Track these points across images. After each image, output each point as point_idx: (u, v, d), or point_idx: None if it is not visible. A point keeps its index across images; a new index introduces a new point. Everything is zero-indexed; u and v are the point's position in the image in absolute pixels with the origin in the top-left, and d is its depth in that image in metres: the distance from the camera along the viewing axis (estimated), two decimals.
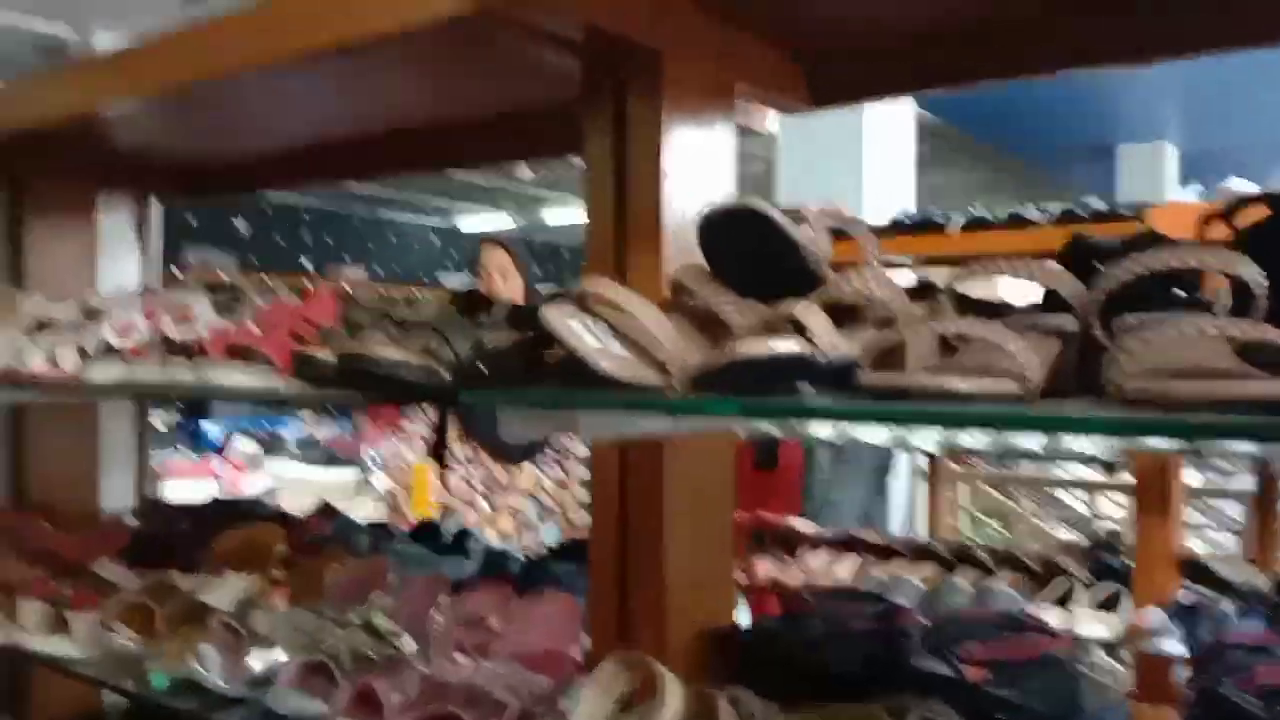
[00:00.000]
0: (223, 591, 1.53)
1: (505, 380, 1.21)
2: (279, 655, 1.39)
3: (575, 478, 3.87)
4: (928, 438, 2.95)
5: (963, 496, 4.96)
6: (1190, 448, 2.61)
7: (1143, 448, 2.65)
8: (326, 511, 1.94)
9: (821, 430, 3.09)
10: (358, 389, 1.19)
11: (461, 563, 1.75)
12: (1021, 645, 1.31)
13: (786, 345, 0.83)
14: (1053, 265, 0.94)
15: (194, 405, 4.06)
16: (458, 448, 3.95)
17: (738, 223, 0.96)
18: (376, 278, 11.35)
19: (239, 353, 1.31)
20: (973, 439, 2.90)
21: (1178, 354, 0.81)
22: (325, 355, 1.20)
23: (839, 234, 1.09)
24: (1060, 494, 5.83)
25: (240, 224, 10.88)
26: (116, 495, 2.28)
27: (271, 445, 3.69)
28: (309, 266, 11.01)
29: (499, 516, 3.67)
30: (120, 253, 2.34)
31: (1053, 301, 1.04)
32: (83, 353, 1.57)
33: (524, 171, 9.41)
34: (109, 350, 1.51)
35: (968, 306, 1.04)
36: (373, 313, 1.28)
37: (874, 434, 3.03)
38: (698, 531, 1.33)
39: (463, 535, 1.90)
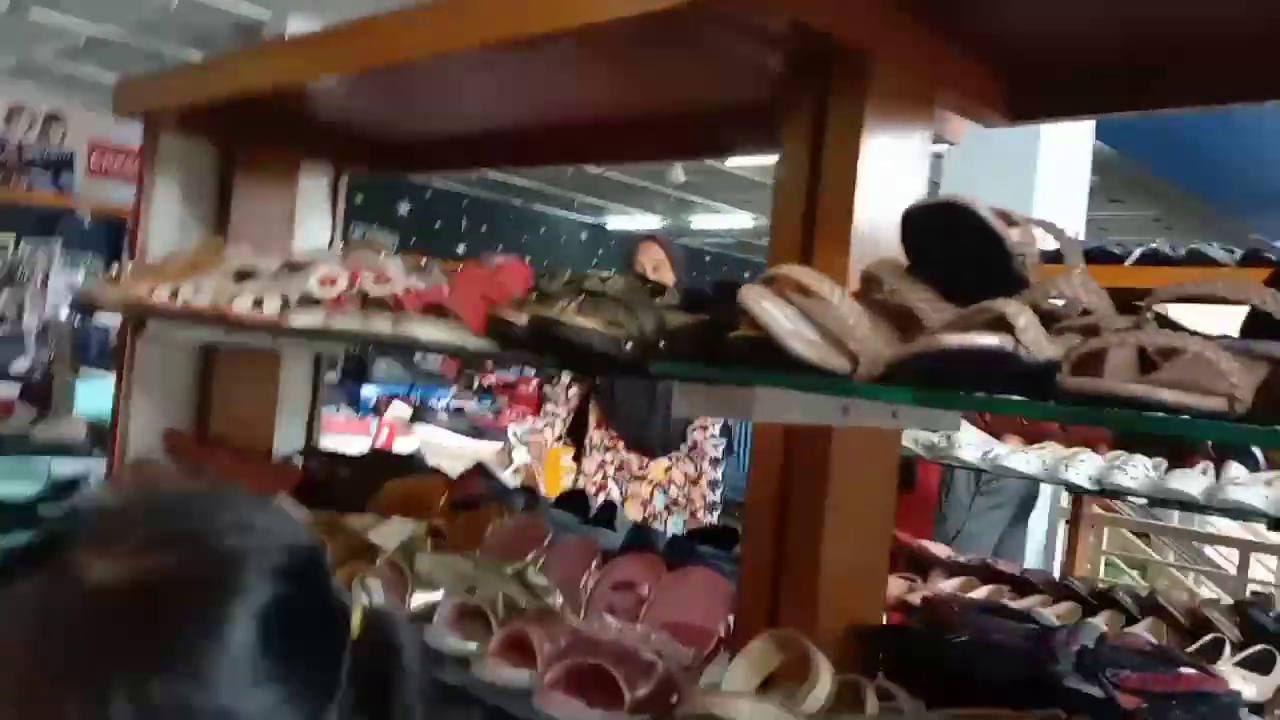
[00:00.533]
0: (389, 533, 1.62)
1: (681, 357, 1.25)
2: (438, 597, 1.47)
3: (705, 476, 3.91)
4: (1082, 473, 2.86)
5: (1103, 542, 4.78)
6: None
7: None
8: (481, 471, 2.02)
9: (970, 454, 3.03)
10: (546, 353, 1.25)
11: (607, 534, 1.80)
12: (1178, 679, 1.27)
13: (992, 339, 0.84)
14: (1270, 288, 0.92)
15: (357, 369, 4.27)
16: (596, 434, 4.03)
17: (944, 219, 0.98)
18: None
19: (435, 309, 1.39)
20: (1131, 479, 2.79)
21: None
22: (517, 318, 1.27)
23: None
24: (1209, 552, 5.55)
25: (403, 206, 11.31)
26: (288, 440, 2.43)
27: (422, 412, 3.84)
28: (462, 252, 11.36)
29: (627, 502, 3.74)
30: (314, 219, 2.49)
31: (1255, 330, 1.02)
32: (285, 301, 1.68)
33: (677, 174, 9.48)
34: (311, 300, 1.61)
35: (1169, 327, 1.03)
36: (564, 283, 1.33)
37: (1026, 464, 2.95)
38: (857, 523, 1.34)
39: (608, 507, 1.96)
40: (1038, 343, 0.84)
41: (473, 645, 1.38)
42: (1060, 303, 0.98)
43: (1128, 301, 1.04)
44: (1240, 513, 3.00)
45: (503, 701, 1.30)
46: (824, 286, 1.02)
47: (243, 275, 1.92)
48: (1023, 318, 0.84)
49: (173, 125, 2.19)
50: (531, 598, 1.47)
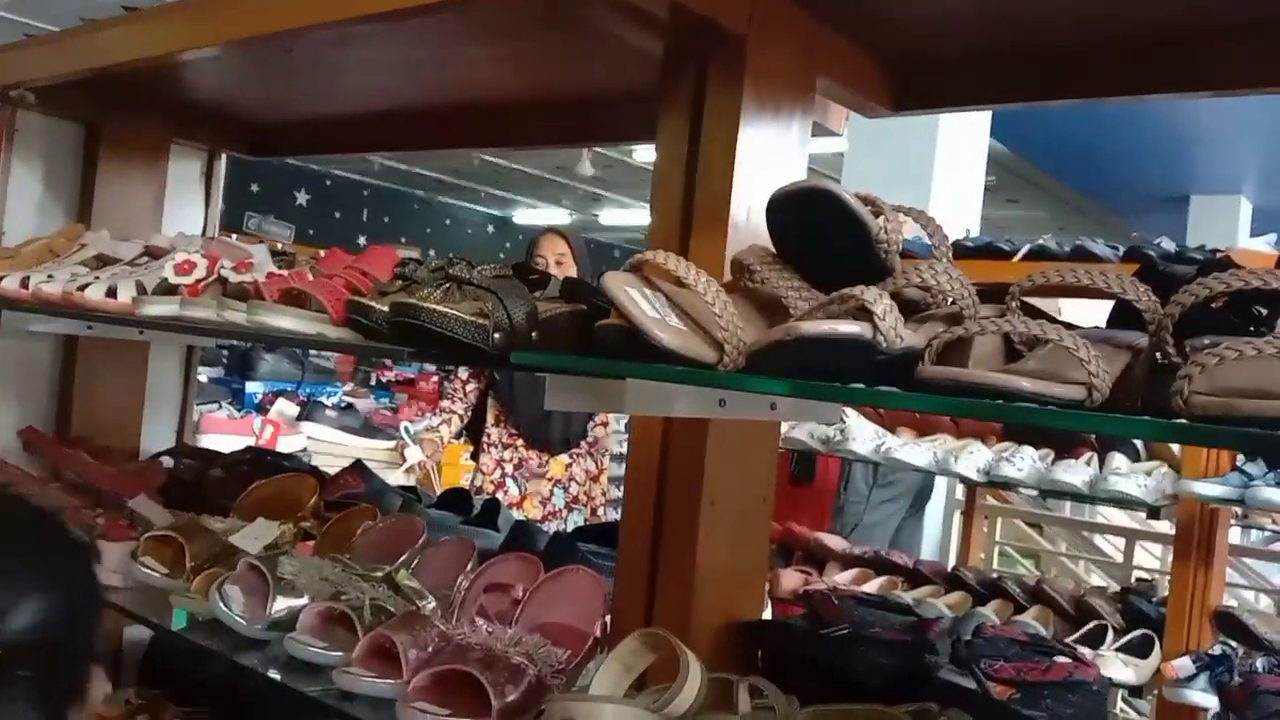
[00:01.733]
0: (252, 536, 1.54)
1: (556, 349, 1.20)
2: (302, 602, 1.40)
3: (605, 472, 3.88)
4: (971, 465, 2.90)
5: (995, 532, 4.88)
6: (1238, 498, 2.54)
7: (1191, 494, 2.59)
8: (359, 470, 1.95)
9: (863, 447, 3.05)
10: (408, 343, 1.19)
11: (488, 533, 1.74)
12: (1050, 668, 1.28)
13: (850, 326, 0.81)
14: (1132, 278, 0.92)
15: (240, 364, 4.12)
16: (494, 431, 3.96)
17: (809, 204, 0.95)
18: None
19: (293, 298, 1.32)
20: (1018, 470, 2.84)
21: (1250, 374, 0.78)
22: (378, 304, 1.21)
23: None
24: (1098, 541, 5.72)
25: (301, 196, 11.03)
26: (157, 438, 2.31)
27: (311, 410, 3.72)
28: (363, 244, 11.10)
29: (526, 501, 3.68)
30: (186, 203, 2.38)
31: (1122, 321, 1.02)
32: (140, 289, 1.59)
33: (584, 167, 9.43)
34: (167, 288, 1.52)
35: (1035, 316, 1.02)
36: (431, 271, 1.27)
37: (917, 456, 2.98)
38: (736, 518, 1.31)
39: (490, 506, 1.90)
40: (897, 330, 0.82)
41: (337, 653, 1.32)
42: (924, 291, 0.96)
43: (999, 286, 1.03)
44: (1122, 502, 3.09)
45: (364, 713, 1.24)
46: (690, 273, 0.99)
47: (101, 262, 1.81)
48: (881, 305, 0.82)
49: (32, 100, 2.05)
50: (402, 602, 1.41)
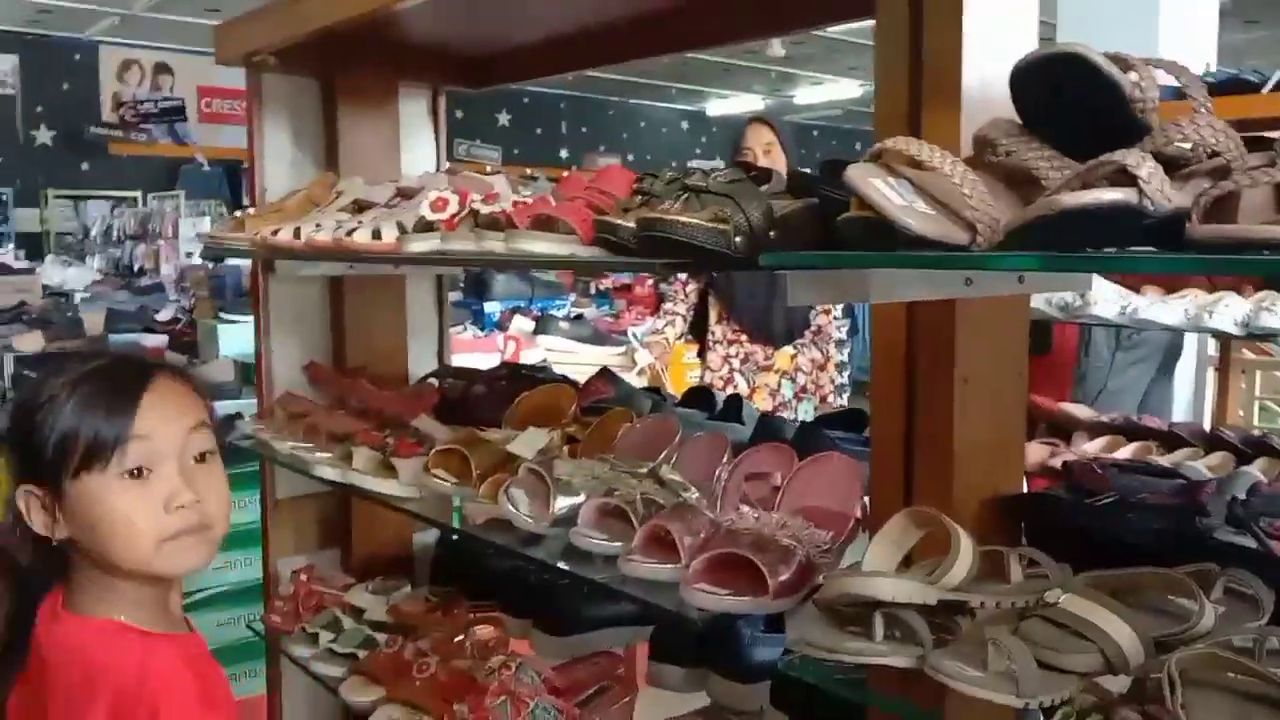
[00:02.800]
0: (526, 443, 1.67)
1: (794, 245, 1.23)
2: (579, 500, 1.52)
3: (832, 360, 3.88)
4: (1228, 318, 2.73)
5: (1257, 387, 4.57)
6: None
7: None
8: (607, 376, 2.06)
9: (1107, 310, 2.92)
10: (655, 255, 1.25)
11: (736, 427, 1.82)
12: None
13: (1115, 193, 0.80)
14: None
15: (476, 287, 4.37)
16: (717, 329, 4.04)
17: (1056, 70, 0.93)
18: (630, 166, 11.61)
19: (543, 222, 1.40)
20: (1278, 317, 2.65)
21: None
22: (624, 222, 1.27)
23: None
24: None
25: (503, 117, 11.33)
26: (420, 362, 2.52)
27: (544, 323, 3.91)
28: (565, 156, 11.34)
29: (755, 394, 3.75)
30: (418, 141, 2.53)
31: None
32: (401, 228, 1.72)
33: (775, 49, 9.18)
34: (426, 225, 1.65)
35: None
36: (667, 183, 1.32)
37: (1167, 314, 2.83)
38: (988, 393, 1.32)
39: (734, 401, 1.97)
40: (1163, 192, 0.80)
41: (617, 544, 1.43)
42: (1186, 146, 0.93)
43: (1262, 136, 0.98)
44: None
45: (650, 595, 1.35)
46: (934, 156, 0.99)
47: (359, 207, 1.98)
48: (1145, 168, 0.80)
49: (273, 64, 2.23)
50: (668, 494, 1.50)
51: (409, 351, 2.47)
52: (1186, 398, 4.40)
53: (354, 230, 1.75)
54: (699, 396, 2.08)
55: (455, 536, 2.30)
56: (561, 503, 1.52)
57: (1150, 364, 4.09)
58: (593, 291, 6.16)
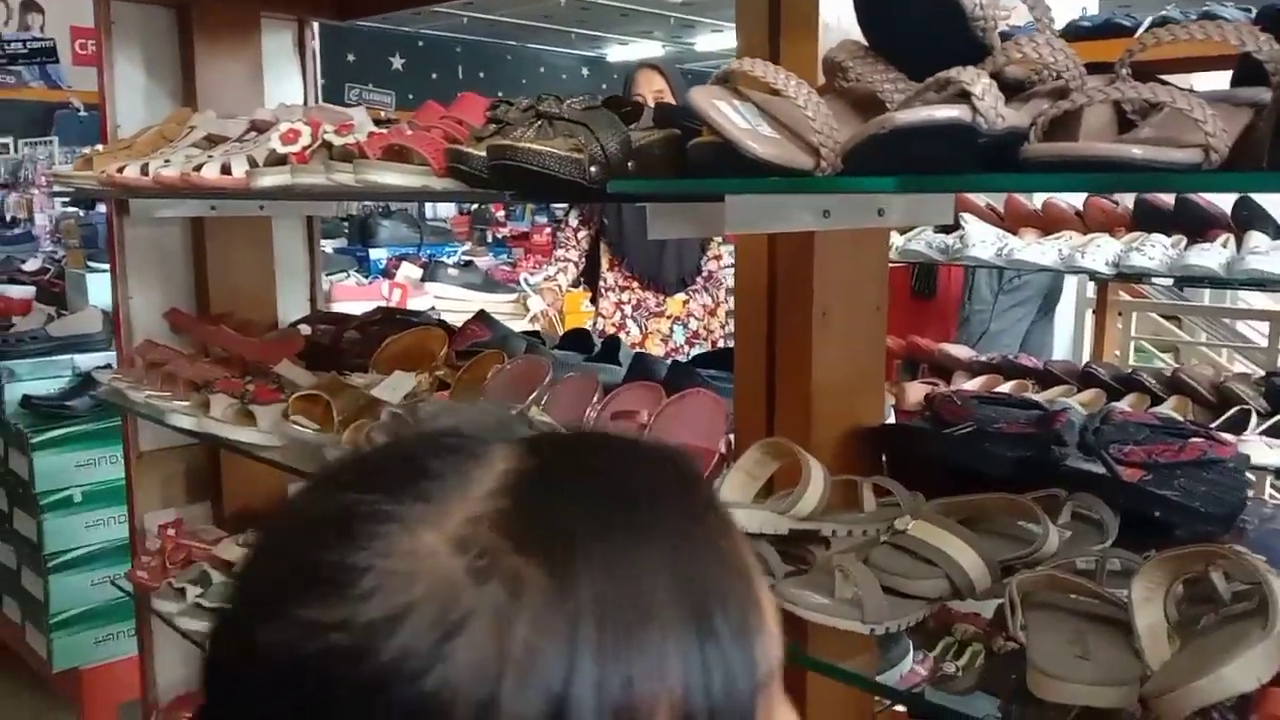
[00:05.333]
0: (391, 387, 1.62)
1: (655, 177, 1.20)
2: None
3: (722, 305, 3.90)
4: (1100, 258, 2.80)
5: (1131, 328, 4.74)
6: None
7: None
8: (484, 319, 2.01)
9: (984, 252, 2.97)
10: (508, 185, 1.20)
11: (610, 368, 1.79)
12: (1184, 448, 1.26)
13: (948, 110, 0.79)
14: (1252, 27, 0.86)
15: (361, 233, 4.24)
16: (609, 275, 4.00)
17: None
18: None
19: (396, 154, 1.34)
20: (1149, 259, 2.73)
21: None
22: (476, 151, 1.22)
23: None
24: (1240, 329, 5.50)
25: (396, 61, 11.01)
26: (292, 310, 2.42)
27: (433, 270, 3.83)
28: None
29: (648, 340, 3.74)
30: (284, 77, 2.41)
31: (1244, 80, 0.96)
32: (252, 162, 1.64)
33: None
34: (277, 159, 1.57)
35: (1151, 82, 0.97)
36: (522, 111, 1.28)
37: (1041, 255, 2.89)
38: (848, 328, 1.32)
39: (611, 343, 1.95)
40: (997, 110, 0.79)
41: None
42: (1028, 67, 0.92)
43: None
44: (1262, 283, 2.95)
45: None
46: (780, 78, 0.96)
47: (212, 142, 1.88)
48: (979, 85, 0.79)
49: None
50: None
51: (278, 298, 2.37)
52: (1066, 339, 4.54)
53: (202, 165, 1.66)
54: (578, 338, 2.05)
55: None
56: None
57: (1031, 306, 4.20)
58: (489, 240, 6.05)
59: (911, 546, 1.03)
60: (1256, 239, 2.73)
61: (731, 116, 0.95)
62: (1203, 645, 0.84)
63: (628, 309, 3.95)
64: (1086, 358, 4.29)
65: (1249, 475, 1.40)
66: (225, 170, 1.63)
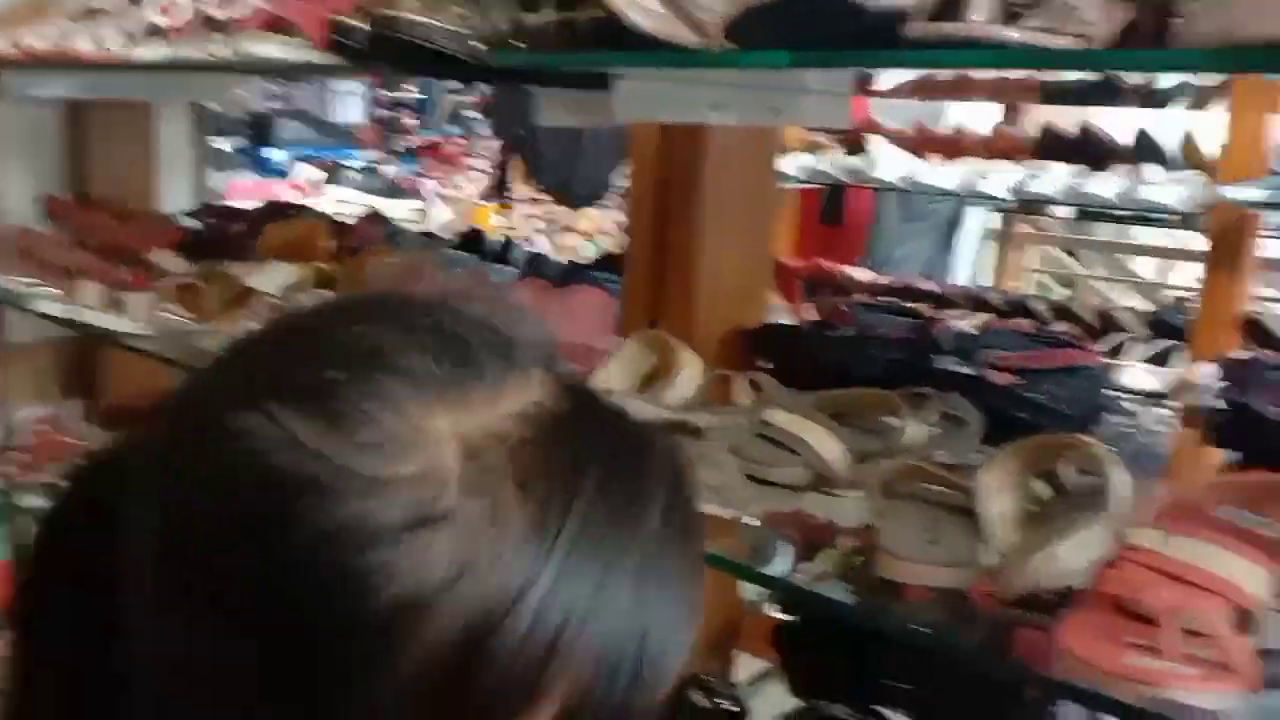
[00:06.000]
0: (269, 277, 1.57)
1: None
2: None
3: None
4: (1000, 184, 2.84)
5: (1031, 260, 4.85)
6: (1277, 201, 2.48)
7: (1226, 199, 2.54)
8: (376, 219, 1.96)
9: (890, 174, 2.99)
10: (392, 60, 1.16)
11: (505, 269, 1.77)
12: (1053, 356, 1.29)
13: None
14: None
15: (258, 130, 4.09)
16: (521, 188, 3.94)
17: None
18: None
19: (276, 25, 1.28)
20: (1048, 186, 2.78)
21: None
22: (359, 23, 1.17)
23: None
24: (1137, 267, 5.68)
25: None
26: (175, 202, 2.33)
27: (335, 174, 3.71)
28: None
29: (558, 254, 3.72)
30: None
31: None
32: (130, 37, 1.55)
33: None
34: (154, 31, 1.49)
35: None
36: None
37: (945, 179, 2.93)
38: (736, 231, 1.31)
39: (507, 245, 1.92)
40: None
41: None
42: None
43: None
44: (1156, 215, 3.04)
45: None
46: None
47: (90, 13, 1.77)
48: None
49: None
50: None
51: (161, 191, 2.28)
52: (969, 268, 4.63)
53: (74, 35, 1.56)
54: (473, 241, 2.01)
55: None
56: None
57: (935, 234, 4.27)
58: (400, 149, 5.89)
59: (776, 436, 1.04)
60: (1151, 171, 2.81)
61: None
62: (1046, 530, 0.87)
63: (539, 223, 3.90)
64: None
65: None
66: (99, 43, 1.54)
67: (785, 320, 1.48)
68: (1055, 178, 2.78)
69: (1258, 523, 0.88)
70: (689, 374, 1.09)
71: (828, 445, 1.03)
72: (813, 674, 1.38)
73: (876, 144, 3.02)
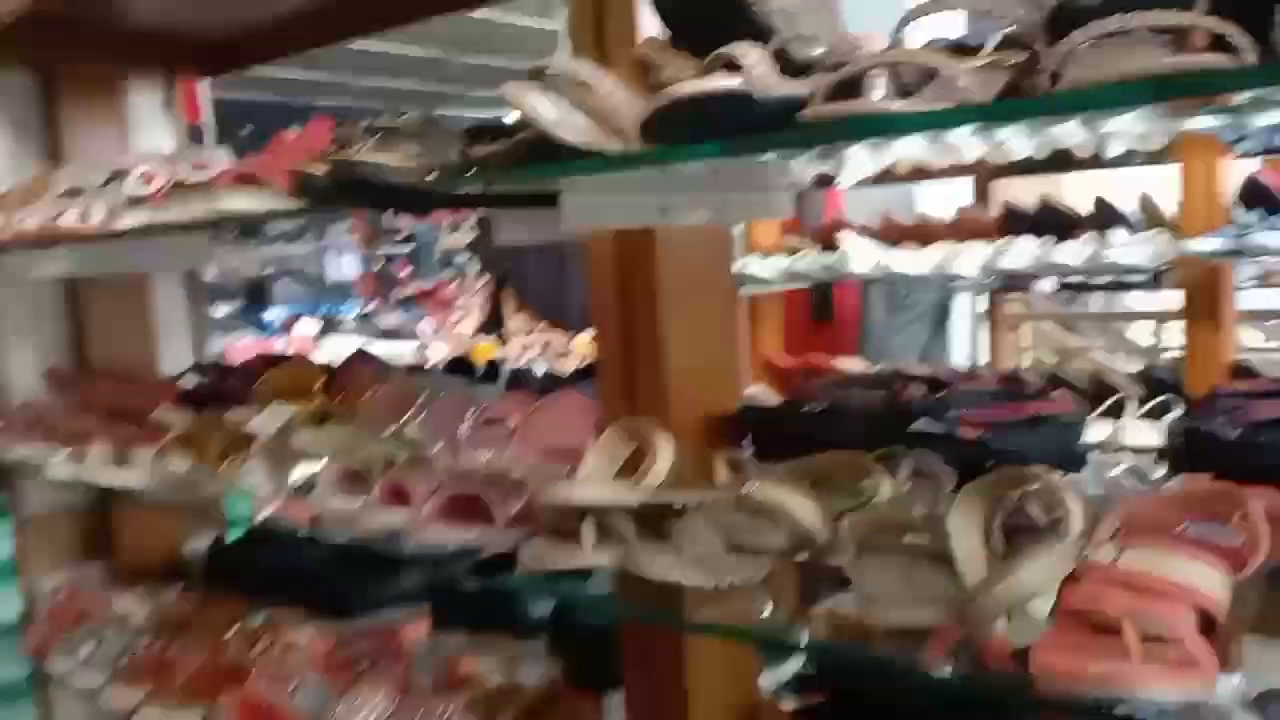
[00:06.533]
0: (266, 421, 1.63)
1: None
2: (319, 468, 1.49)
3: None
4: (970, 263, 2.92)
5: (1025, 339, 4.91)
6: (1235, 248, 2.55)
7: (1190, 252, 2.61)
8: (364, 356, 2.03)
9: (863, 266, 3.08)
10: (350, 198, 1.24)
11: (490, 388, 1.82)
12: (1020, 408, 1.33)
13: (722, 81, 0.85)
14: None
15: (255, 294, 4.22)
16: (514, 320, 4.03)
17: None
18: None
19: (247, 180, 1.37)
20: (1016, 260, 2.86)
21: (1113, 54, 0.81)
22: (318, 168, 1.26)
23: None
24: (1132, 336, 5.72)
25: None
26: (177, 366, 2.41)
27: (331, 326, 3.82)
28: None
29: None
30: (153, 133, 2.42)
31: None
32: (112, 210, 1.65)
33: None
34: (136, 201, 1.58)
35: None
36: (364, 130, 1.32)
37: (916, 265, 3.01)
38: (698, 317, 1.37)
39: (493, 365, 1.98)
40: (769, 79, 0.86)
41: (357, 503, 1.41)
42: (815, 52, 0.99)
43: None
44: (1123, 272, 3.10)
45: (390, 547, 1.34)
46: (588, 73, 1.02)
47: (73, 193, 1.88)
48: (751, 57, 0.86)
49: None
50: (411, 452, 1.49)
51: (161, 357, 2.36)
52: (964, 355, 4.68)
53: (60, 214, 1.66)
54: (459, 366, 2.08)
55: (228, 539, 2.22)
56: (300, 471, 1.48)
57: (925, 322, 4.34)
58: (397, 299, 6.05)
59: (755, 507, 1.07)
60: (1117, 235, 2.88)
61: (545, 109, 1.00)
62: (1012, 562, 0.90)
63: (534, 351, 3.98)
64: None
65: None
66: (84, 217, 1.64)
67: (761, 403, 1.52)
68: (1022, 251, 2.86)
69: (1214, 530, 0.90)
70: (664, 454, 1.13)
71: (805, 509, 1.06)
72: None
73: (847, 238, 3.12)
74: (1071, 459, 1.33)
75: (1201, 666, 0.73)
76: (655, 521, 1.14)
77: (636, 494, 1.11)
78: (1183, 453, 1.18)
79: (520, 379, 1.77)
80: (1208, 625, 0.80)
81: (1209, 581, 0.79)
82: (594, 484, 1.13)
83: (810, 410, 1.39)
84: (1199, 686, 0.72)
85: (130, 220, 1.54)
